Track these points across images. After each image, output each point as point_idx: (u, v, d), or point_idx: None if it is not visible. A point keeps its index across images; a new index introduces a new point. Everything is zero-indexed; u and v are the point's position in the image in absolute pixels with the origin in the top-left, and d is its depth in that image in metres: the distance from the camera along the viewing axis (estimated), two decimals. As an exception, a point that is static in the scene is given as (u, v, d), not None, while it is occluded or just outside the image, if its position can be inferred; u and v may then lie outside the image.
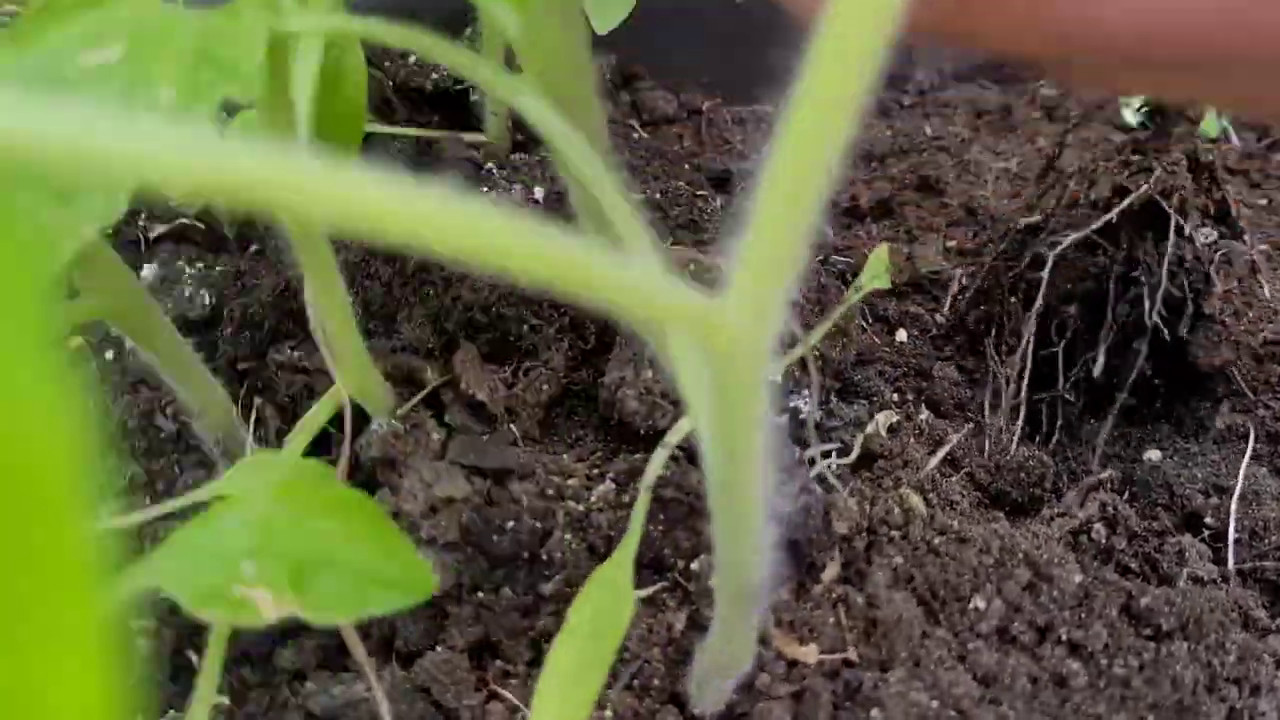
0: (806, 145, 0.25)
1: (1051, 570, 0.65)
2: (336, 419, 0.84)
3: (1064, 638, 0.63)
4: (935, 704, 0.60)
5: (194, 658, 0.78)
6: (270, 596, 0.49)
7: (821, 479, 0.69)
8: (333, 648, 0.77)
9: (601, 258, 0.26)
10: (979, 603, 0.64)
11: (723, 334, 0.28)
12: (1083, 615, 0.63)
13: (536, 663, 0.71)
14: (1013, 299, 0.96)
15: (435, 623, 0.75)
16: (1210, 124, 1.22)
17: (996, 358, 0.96)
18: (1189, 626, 0.62)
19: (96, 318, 0.63)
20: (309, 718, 0.72)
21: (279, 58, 0.48)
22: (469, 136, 1.00)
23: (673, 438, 0.64)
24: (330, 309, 0.65)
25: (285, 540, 0.50)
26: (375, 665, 0.75)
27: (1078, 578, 0.65)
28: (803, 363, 0.82)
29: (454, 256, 0.24)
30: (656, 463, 0.64)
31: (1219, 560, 0.80)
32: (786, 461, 0.65)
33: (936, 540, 0.67)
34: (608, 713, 0.68)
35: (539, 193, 0.91)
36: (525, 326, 0.81)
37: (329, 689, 0.73)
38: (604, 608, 0.56)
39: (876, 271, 0.71)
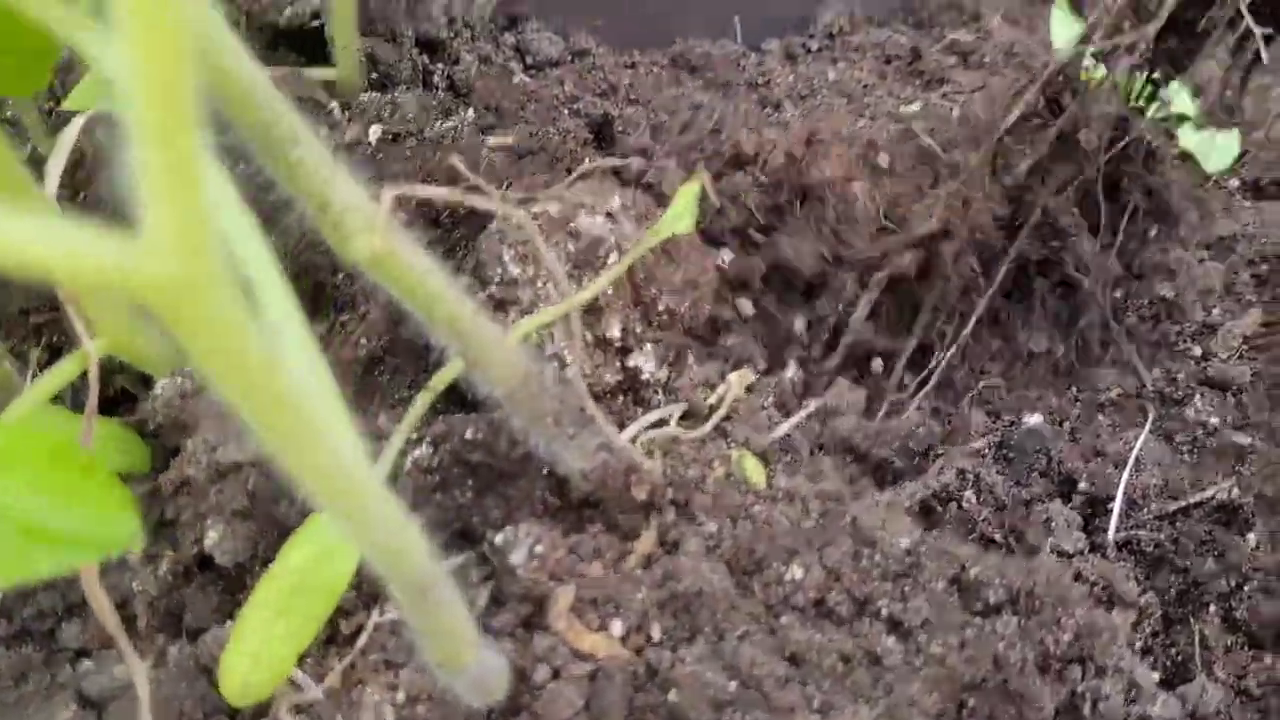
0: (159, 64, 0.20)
1: (875, 535, 0.58)
2: (142, 382, 0.78)
3: (883, 612, 0.57)
4: (734, 685, 0.54)
5: (-31, 635, 0.71)
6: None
7: (633, 439, 0.63)
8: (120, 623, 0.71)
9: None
10: (795, 572, 0.58)
11: (153, 276, 0.24)
12: (906, 588, 0.57)
13: (332, 640, 0.65)
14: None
15: (227, 597, 0.69)
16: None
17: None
18: (1019, 601, 0.56)
19: None
20: (81, 700, 0.66)
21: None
22: (319, 73, 0.93)
23: (439, 383, 0.58)
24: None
25: (-72, 489, 0.43)
26: (163, 642, 0.69)
27: (905, 542, 0.58)
28: (646, 319, 0.76)
29: None
30: (418, 408, 0.58)
31: (1089, 530, 0.75)
32: (573, 415, 0.59)
33: (756, 507, 0.61)
34: (400, 694, 0.62)
35: (374, 133, 0.84)
36: (340, 275, 0.74)
37: (110, 669, 0.67)
38: (314, 560, 0.49)
39: (681, 211, 0.63)
